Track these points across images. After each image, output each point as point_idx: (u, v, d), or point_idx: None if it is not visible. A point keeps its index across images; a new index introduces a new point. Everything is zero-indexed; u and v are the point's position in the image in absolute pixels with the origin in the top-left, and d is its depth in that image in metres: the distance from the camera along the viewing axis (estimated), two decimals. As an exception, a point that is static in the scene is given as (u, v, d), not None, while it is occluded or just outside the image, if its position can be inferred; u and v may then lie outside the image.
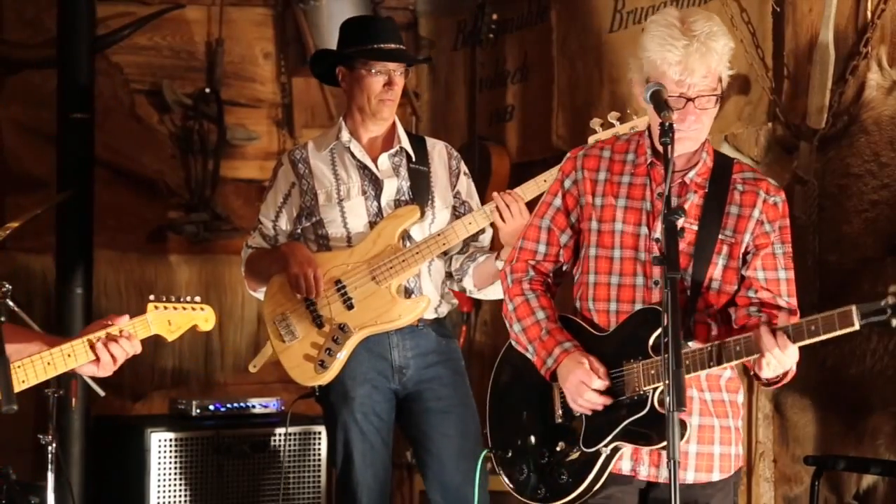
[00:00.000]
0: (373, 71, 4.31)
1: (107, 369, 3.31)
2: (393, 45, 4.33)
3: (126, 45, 6.11)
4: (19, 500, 4.52)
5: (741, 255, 3.21)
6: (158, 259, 6.20)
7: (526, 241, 3.40)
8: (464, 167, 4.48)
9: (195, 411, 5.31)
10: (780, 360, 3.00)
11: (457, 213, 4.40)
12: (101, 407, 5.59)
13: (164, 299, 3.44)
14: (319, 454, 5.30)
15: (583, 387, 3.17)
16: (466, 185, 4.45)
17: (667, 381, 2.86)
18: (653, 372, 3.11)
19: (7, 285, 4.22)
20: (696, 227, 3.19)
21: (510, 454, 3.38)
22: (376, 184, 4.33)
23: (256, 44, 6.45)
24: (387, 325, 4.24)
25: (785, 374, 3.08)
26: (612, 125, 4.01)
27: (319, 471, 5.31)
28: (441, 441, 4.28)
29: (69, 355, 3.25)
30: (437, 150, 4.46)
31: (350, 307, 4.24)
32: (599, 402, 3.17)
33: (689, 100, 3.11)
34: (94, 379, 4.79)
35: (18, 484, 4.55)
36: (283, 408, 5.39)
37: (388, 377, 4.29)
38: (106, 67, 6.05)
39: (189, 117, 6.29)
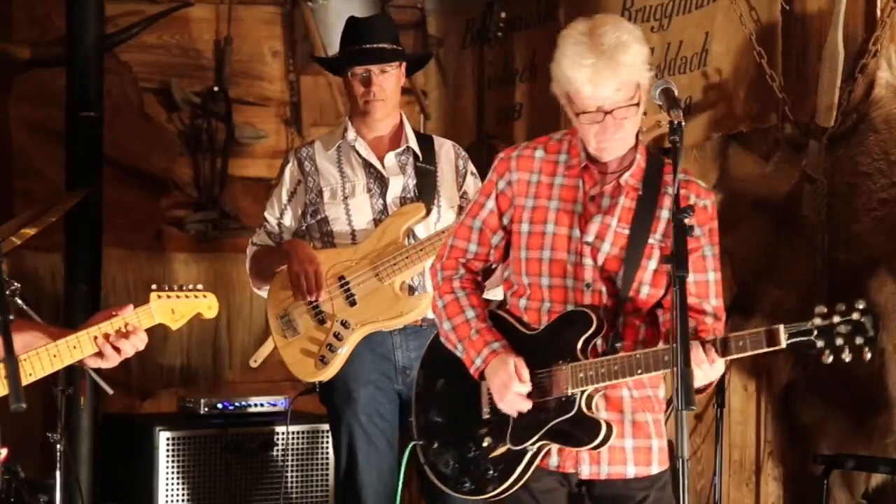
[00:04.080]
0: (349, 75, 4.33)
1: (111, 361, 3.31)
2: (367, 45, 4.31)
3: (135, 44, 6.11)
4: (28, 497, 4.52)
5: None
6: (167, 257, 6.21)
7: (457, 239, 3.40)
8: (471, 167, 4.47)
9: (203, 410, 5.31)
10: (707, 372, 3.03)
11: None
12: (110, 405, 5.60)
13: (167, 288, 3.45)
14: (327, 452, 5.29)
15: (506, 390, 3.20)
16: (473, 185, 4.45)
17: (675, 380, 2.86)
18: (581, 375, 3.14)
19: (16, 283, 4.25)
20: (627, 231, 3.20)
21: (435, 445, 3.39)
22: (382, 182, 4.33)
23: (265, 42, 6.45)
24: (389, 322, 4.24)
25: (709, 384, 3.10)
26: None
27: (327, 469, 5.31)
28: None
29: (75, 347, 3.25)
30: (445, 149, 4.45)
31: (353, 304, 4.24)
32: (522, 405, 3.20)
33: (606, 112, 3.13)
34: (102, 377, 4.80)
35: (27, 482, 4.55)
36: (291, 406, 5.39)
37: (391, 378, 4.28)
38: (115, 66, 6.05)
39: (197, 116, 6.29)
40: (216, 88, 6.29)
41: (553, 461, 3.24)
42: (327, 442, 5.28)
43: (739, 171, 4.84)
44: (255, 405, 5.40)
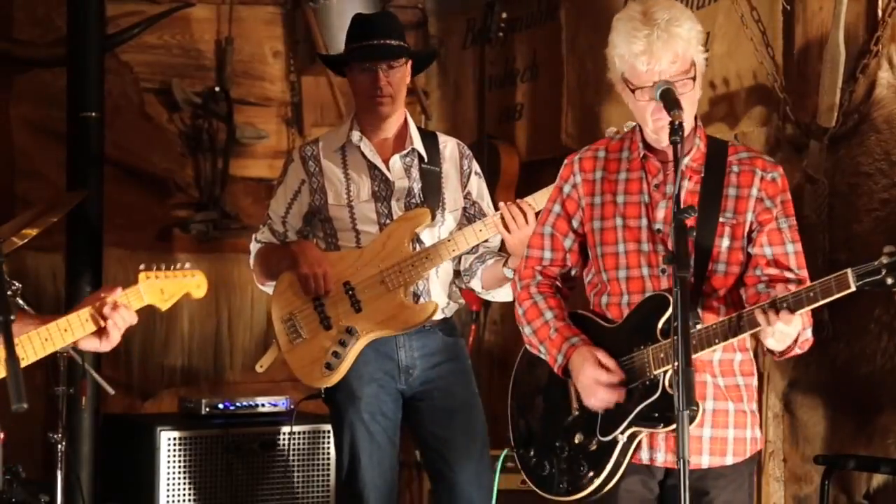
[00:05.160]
0: (356, 71, 4.32)
1: (108, 342, 3.25)
2: (376, 41, 4.30)
3: (136, 44, 6.12)
4: (29, 498, 4.52)
5: (745, 235, 3.24)
6: (167, 257, 6.19)
7: (531, 249, 3.45)
8: (475, 167, 4.46)
9: (204, 410, 5.31)
10: (785, 331, 3.02)
11: (467, 213, 4.39)
12: (111, 405, 5.60)
13: (156, 268, 3.40)
14: (329, 453, 5.30)
15: (597, 385, 3.20)
16: (477, 185, 4.44)
17: (676, 380, 2.86)
18: (662, 355, 3.14)
19: (17, 284, 4.24)
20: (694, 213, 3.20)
21: (532, 453, 3.40)
22: (387, 185, 4.31)
23: (266, 42, 6.46)
24: (395, 330, 4.23)
25: (794, 342, 3.08)
26: None
27: (329, 469, 5.31)
28: (448, 440, 4.28)
29: (66, 329, 3.21)
30: (450, 149, 4.43)
31: (358, 310, 4.23)
32: (613, 398, 3.19)
33: None
34: (103, 377, 4.80)
35: (28, 482, 4.56)
36: (292, 406, 5.40)
37: (394, 377, 4.28)
38: (116, 66, 6.06)
39: (198, 116, 6.30)
40: (217, 89, 6.29)
41: (644, 455, 3.23)
42: (329, 442, 5.29)
43: (740, 171, 4.83)
44: (257, 405, 5.40)
